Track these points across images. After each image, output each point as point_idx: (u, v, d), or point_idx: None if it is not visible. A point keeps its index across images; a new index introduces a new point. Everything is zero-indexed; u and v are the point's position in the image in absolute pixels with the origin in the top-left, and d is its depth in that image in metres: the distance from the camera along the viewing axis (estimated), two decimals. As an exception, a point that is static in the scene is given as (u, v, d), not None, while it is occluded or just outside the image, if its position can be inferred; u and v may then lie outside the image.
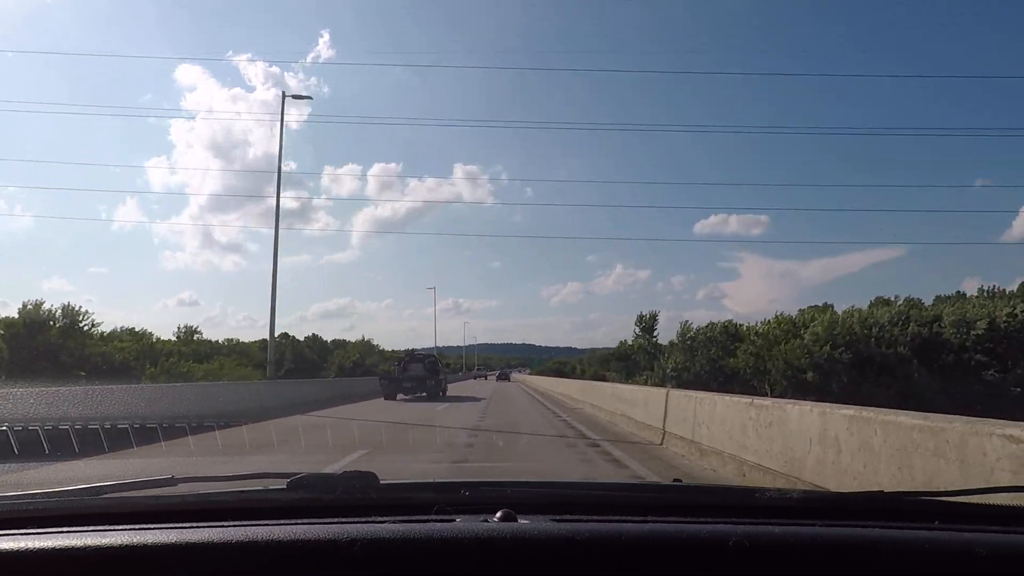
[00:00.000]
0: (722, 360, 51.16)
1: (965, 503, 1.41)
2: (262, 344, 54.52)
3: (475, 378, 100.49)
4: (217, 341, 68.13)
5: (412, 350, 38.02)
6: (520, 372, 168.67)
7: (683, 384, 45.66)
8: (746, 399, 8.01)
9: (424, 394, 26.13)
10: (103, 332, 45.95)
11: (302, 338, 75.98)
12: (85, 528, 1.17)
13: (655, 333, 74.57)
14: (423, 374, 27.31)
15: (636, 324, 76.73)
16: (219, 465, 8.00)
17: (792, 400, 7.16)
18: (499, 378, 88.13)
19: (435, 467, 8.32)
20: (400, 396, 25.97)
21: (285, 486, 1.40)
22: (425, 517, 1.27)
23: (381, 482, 1.41)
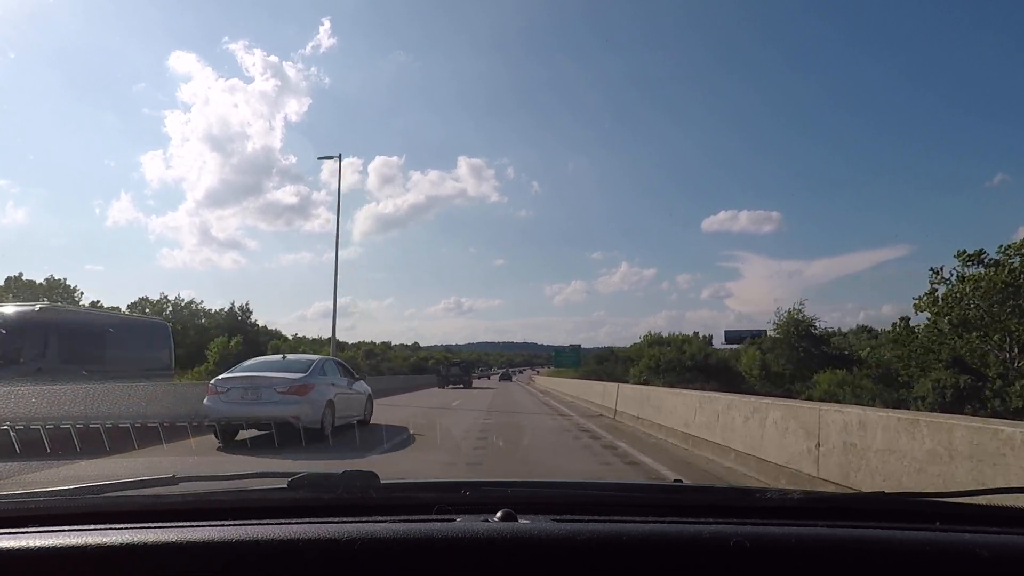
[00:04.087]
0: None
1: (967, 504, 1.41)
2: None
3: (478, 378, 76.75)
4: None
5: (450, 357, 68.00)
6: (524, 371, 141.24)
7: None
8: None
9: (461, 385, 46.15)
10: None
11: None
12: (87, 527, 1.17)
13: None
14: (460, 372, 48.43)
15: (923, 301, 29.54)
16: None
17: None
18: (502, 378, 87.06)
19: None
20: (448, 386, 45.52)
21: (286, 485, 1.40)
22: (426, 517, 1.27)
23: (382, 481, 1.41)
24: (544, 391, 41.17)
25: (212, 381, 11.01)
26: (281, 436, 9.53)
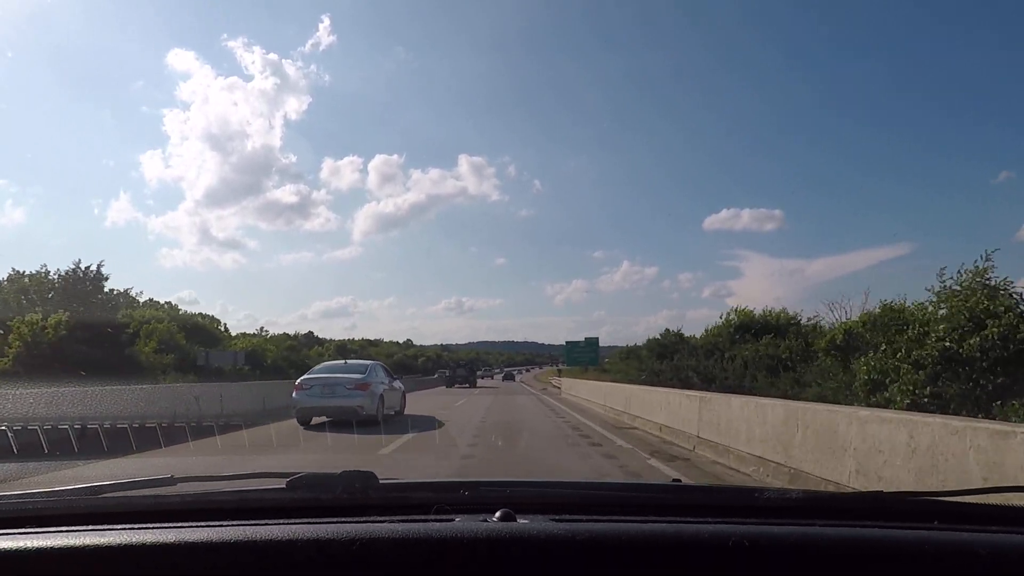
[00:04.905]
0: None
1: (965, 503, 1.40)
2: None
3: (481, 377, 70.55)
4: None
5: (460, 359, 69.75)
6: (531, 370, 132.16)
7: None
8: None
9: (467, 385, 49.93)
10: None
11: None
12: (84, 528, 1.16)
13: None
14: (466, 373, 51.98)
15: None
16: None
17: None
18: (505, 378, 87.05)
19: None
20: (455, 386, 49.27)
21: (284, 486, 1.40)
22: (424, 517, 1.26)
23: (380, 481, 1.41)
24: (622, 425, 15.91)
25: (299, 380, 14.68)
26: (350, 422, 12.98)
